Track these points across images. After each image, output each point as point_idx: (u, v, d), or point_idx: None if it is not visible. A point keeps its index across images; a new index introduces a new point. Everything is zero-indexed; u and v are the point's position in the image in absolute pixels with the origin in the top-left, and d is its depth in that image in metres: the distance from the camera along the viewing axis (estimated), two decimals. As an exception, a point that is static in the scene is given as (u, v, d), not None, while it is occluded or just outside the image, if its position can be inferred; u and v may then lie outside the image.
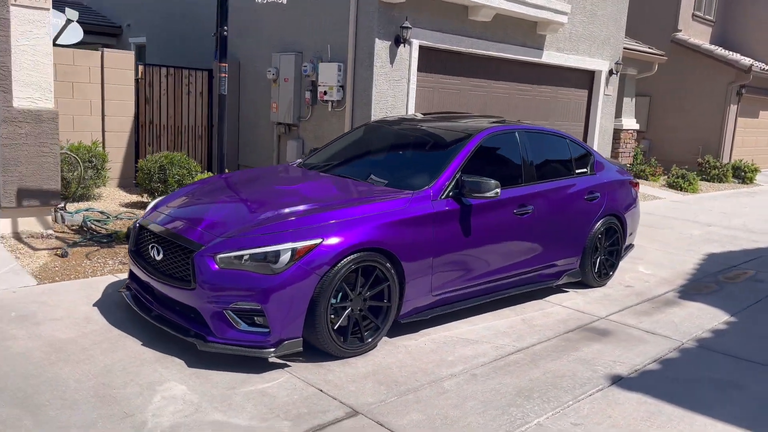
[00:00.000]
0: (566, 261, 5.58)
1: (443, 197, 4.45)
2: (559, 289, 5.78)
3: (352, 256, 3.81)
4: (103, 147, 9.34)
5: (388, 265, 4.02)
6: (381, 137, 5.41)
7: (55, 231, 6.16)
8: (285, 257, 3.61)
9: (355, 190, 4.49)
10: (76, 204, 7.62)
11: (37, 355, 3.63)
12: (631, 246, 6.62)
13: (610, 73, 12.61)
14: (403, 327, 4.47)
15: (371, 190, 4.48)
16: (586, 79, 12.48)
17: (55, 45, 9.35)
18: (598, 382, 3.88)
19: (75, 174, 7.32)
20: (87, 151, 7.98)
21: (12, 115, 5.64)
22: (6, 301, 4.41)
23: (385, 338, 4.30)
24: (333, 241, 3.74)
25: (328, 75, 8.92)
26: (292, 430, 3.07)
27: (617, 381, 3.91)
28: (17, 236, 5.83)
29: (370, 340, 4.04)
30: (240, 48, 10.99)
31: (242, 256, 3.60)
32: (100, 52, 9.41)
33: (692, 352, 4.50)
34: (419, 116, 6.00)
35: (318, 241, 3.71)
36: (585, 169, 5.88)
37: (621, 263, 6.70)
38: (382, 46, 8.48)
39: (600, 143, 12.81)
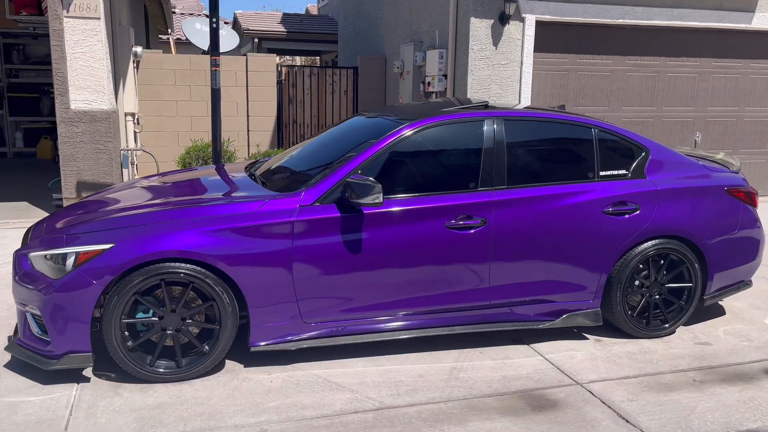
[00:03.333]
0: (569, 296, 4.02)
1: (321, 202, 3.55)
2: (579, 334, 4.21)
3: (149, 267, 3.27)
4: (248, 146, 10.02)
5: (209, 281, 3.35)
6: (337, 133, 4.57)
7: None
8: (70, 261, 3.26)
9: (227, 192, 3.89)
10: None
11: None
12: (745, 283, 4.51)
13: None
14: (278, 356, 3.72)
15: (247, 192, 3.82)
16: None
17: (206, 53, 10.37)
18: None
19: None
20: (200, 150, 8.60)
21: (69, 116, 6.33)
22: None
23: (236, 366, 3.63)
24: (125, 247, 3.26)
25: (431, 64, 8.09)
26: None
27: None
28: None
29: (190, 365, 3.42)
30: (384, 42, 10.72)
31: (44, 255, 3.36)
32: (245, 57, 10.10)
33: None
34: (432, 104, 4.88)
35: (107, 246, 3.27)
36: (622, 171, 4.15)
37: (735, 304, 4.65)
38: (480, 25, 7.34)
39: None
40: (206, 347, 3.44)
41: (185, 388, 3.36)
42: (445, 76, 7.92)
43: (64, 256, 3.27)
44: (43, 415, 3.05)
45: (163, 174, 4.88)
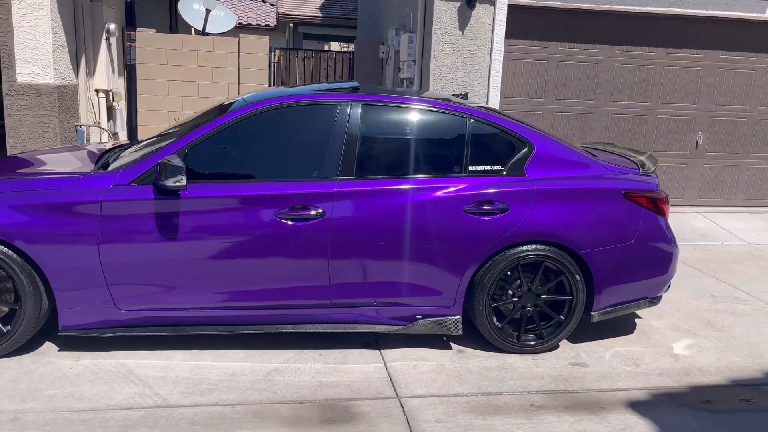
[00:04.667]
0: (424, 301, 3.65)
1: (139, 183, 3.35)
2: (446, 342, 3.84)
3: (-59, 240, 3.18)
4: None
5: (7, 259, 3.22)
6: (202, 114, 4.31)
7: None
8: None
9: (58, 169, 3.73)
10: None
11: None
12: (649, 300, 3.99)
13: None
14: (100, 342, 3.56)
15: (75, 169, 3.66)
16: None
17: (203, 33, 10.36)
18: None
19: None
20: (173, 128, 8.56)
21: (15, 89, 6.40)
22: None
23: (51, 349, 3.50)
24: None
25: (403, 48, 7.72)
26: None
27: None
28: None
29: (-8, 345, 3.32)
30: (382, 26, 10.37)
31: None
32: (237, 39, 10.01)
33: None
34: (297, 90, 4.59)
35: None
36: (497, 166, 3.72)
37: (653, 323, 4.17)
38: (445, 8, 6.91)
39: None
40: (8, 328, 3.33)
41: (-21, 368, 3.26)
42: (414, 61, 7.53)
43: None
44: None
45: (45, 151, 4.82)
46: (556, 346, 3.89)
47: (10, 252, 3.23)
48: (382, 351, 3.73)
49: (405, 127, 3.72)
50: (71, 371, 3.29)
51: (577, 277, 3.72)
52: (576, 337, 4.04)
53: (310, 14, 19.89)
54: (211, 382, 3.27)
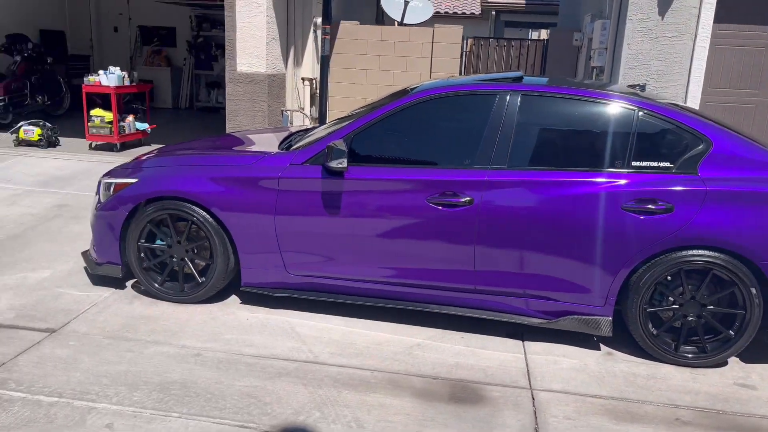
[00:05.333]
0: (573, 297, 3.58)
1: (312, 163, 3.76)
2: (595, 343, 3.74)
3: (159, 202, 3.88)
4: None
5: (204, 222, 3.83)
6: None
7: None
8: (111, 189, 4.04)
9: (256, 147, 4.29)
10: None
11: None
12: None
13: None
14: (267, 299, 4.08)
15: (264, 148, 4.19)
16: None
17: (401, 24, 10.84)
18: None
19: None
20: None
21: (235, 77, 7.39)
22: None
23: (235, 301, 4.09)
24: (143, 184, 3.91)
25: (595, 36, 7.37)
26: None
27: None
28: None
29: (190, 291, 3.98)
30: (581, 12, 9.93)
31: (103, 182, 4.16)
32: (432, 29, 10.31)
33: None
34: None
35: (133, 180, 3.96)
36: (664, 163, 3.47)
37: None
38: (643, -8, 6.46)
39: None
40: (203, 279, 3.97)
41: (179, 309, 3.94)
42: (606, 49, 7.14)
43: (109, 185, 4.06)
44: (70, 305, 3.91)
45: (255, 131, 5.53)
46: (724, 363, 3.55)
47: (208, 216, 3.85)
48: (525, 342, 3.74)
49: (563, 119, 3.65)
50: (247, 322, 3.83)
51: (753, 290, 3.35)
52: (751, 357, 3.64)
53: (513, 1, 19.64)
54: (357, 347, 3.58)
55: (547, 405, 3.08)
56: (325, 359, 3.43)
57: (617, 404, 3.12)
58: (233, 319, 3.86)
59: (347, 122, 3.89)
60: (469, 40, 10.41)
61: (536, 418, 2.97)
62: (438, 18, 18.93)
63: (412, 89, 3.97)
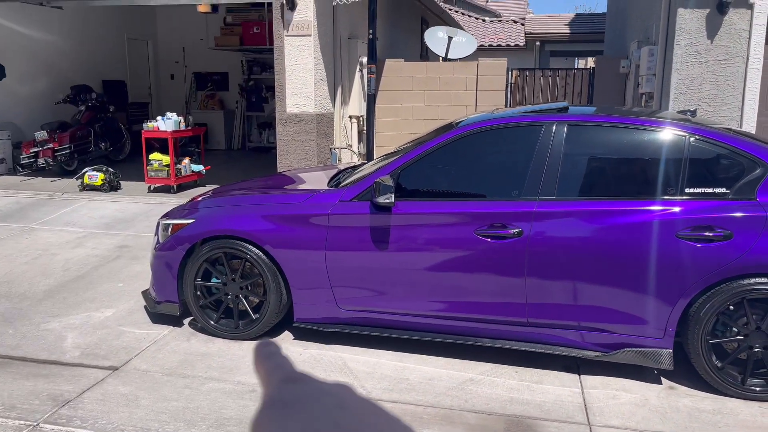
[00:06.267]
0: (630, 329, 3.49)
1: (360, 199, 3.83)
2: (656, 376, 3.62)
3: (214, 241, 4.01)
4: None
5: (258, 260, 3.93)
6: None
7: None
8: (169, 229, 4.21)
9: (306, 185, 4.39)
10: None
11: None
12: None
13: None
14: (327, 336, 4.12)
15: (313, 186, 4.29)
16: None
17: (446, 59, 10.98)
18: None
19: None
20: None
21: (285, 118, 7.62)
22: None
23: (288, 337, 4.15)
24: (200, 223, 4.06)
25: (643, 62, 7.30)
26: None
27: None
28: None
29: (244, 328, 4.07)
30: (626, 40, 9.85)
31: (161, 223, 4.35)
32: (476, 63, 10.41)
33: None
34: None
35: (190, 221, 4.11)
36: (720, 189, 3.38)
37: None
38: (690, 16, 6.39)
39: None
40: (257, 315, 4.06)
41: (234, 346, 4.03)
42: (654, 75, 7.05)
43: (167, 226, 4.23)
44: (131, 343, 4.05)
45: (304, 169, 5.66)
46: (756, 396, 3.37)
47: (261, 254, 3.95)
48: (581, 376, 3.65)
49: (612, 147, 3.62)
50: (300, 357, 3.88)
51: (822, 319, 3.20)
52: (825, 391, 3.43)
53: (558, 31, 19.63)
54: (410, 382, 3.57)
55: (607, 442, 2.99)
56: (378, 395, 3.43)
57: (681, 441, 3.00)
58: (286, 354, 3.90)
59: (394, 158, 3.96)
60: (514, 72, 10.44)
61: (595, 455, 2.88)
62: (483, 51, 19.10)
63: (457, 123, 4.02)
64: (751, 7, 6.21)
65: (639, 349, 3.49)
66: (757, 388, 3.34)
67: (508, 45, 21.11)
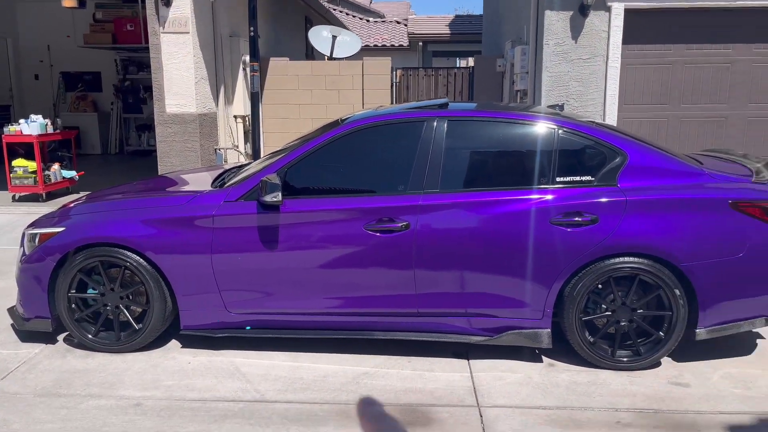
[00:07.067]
0: (512, 313, 3.68)
1: (246, 199, 3.74)
2: (538, 355, 3.83)
3: (89, 250, 3.76)
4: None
5: (133, 263, 3.73)
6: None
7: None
8: (36, 239, 3.89)
9: (189, 187, 4.24)
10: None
11: None
12: (766, 318, 3.68)
13: None
14: (217, 342, 3.99)
15: (196, 187, 4.15)
16: None
17: (331, 58, 11.01)
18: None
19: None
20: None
21: (164, 119, 7.30)
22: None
23: (175, 346, 3.98)
24: (71, 232, 3.79)
25: (517, 61, 7.71)
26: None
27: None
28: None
29: (127, 339, 3.86)
30: (502, 40, 10.36)
31: (27, 233, 4.01)
32: (361, 62, 10.52)
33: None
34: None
35: (60, 229, 3.83)
36: (587, 177, 3.66)
37: (766, 342, 3.86)
38: (556, 18, 6.83)
39: None
40: (140, 325, 3.85)
41: (117, 359, 3.80)
42: (528, 73, 7.48)
43: (33, 236, 3.91)
44: (0, 365, 3.72)
45: (188, 171, 5.46)
46: (657, 364, 3.71)
47: (142, 261, 3.75)
48: (470, 361, 3.79)
49: (490, 141, 3.79)
50: (189, 366, 3.73)
51: (677, 291, 3.54)
52: (682, 356, 3.81)
53: (439, 32, 20.28)
54: (305, 381, 3.55)
55: (495, 420, 3.13)
56: (272, 397, 3.37)
57: (561, 413, 3.20)
58: (174, 364, 3.75)
59: (280, 156, 3.91)
60: (398, 71, 10.66)
61: (484, 435, 3.01)
62: (368, 51, 19.31)
63: (342, 120, 4.04)
64: (608, 9, 6.74)
65: (521, 330, 3.69)
66: (625, 359, 3.64)
67: (392, 45, 21.50)
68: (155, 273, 3.77)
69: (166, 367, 3.70)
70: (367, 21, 23.04)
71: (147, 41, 7.46)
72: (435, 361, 3.80)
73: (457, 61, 22.40)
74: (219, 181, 4.26)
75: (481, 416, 3.17)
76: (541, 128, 3.75)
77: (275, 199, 3.55)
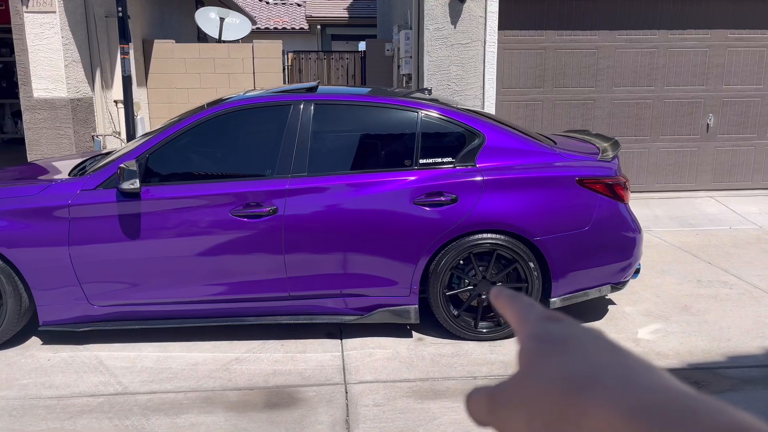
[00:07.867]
0: (381, 291, 3.79)
1: (105, 187, 3.60)
2: (408, 331, 3.96)
3: (-69, 244, 3.51)
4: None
5: (-13, 260, 3.53)
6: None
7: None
8: None
9: (50, 175, 4.03)
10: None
11: None
12: (612, 285, 3.99)
13: None
14: (81, 336, 3.84)
15: (55, 176, 3.95)
16: None
17: (219, 41, 10.72)
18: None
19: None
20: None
21: (32, 104, 6.85)
22: None
23: (35, 343, 3.80)
24: None
25: (402, 45, 7.82)
26: None
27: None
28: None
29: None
30: (393, 24, 10.48)
31: None
32: (251, 44, 10.32)
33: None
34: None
35: None
36: (447, 158, 3.81)
37: (626, 309, 4.17)
38: (436, 3, 6.98)
39: None
40: (-7, 323, 3.64)
41: (-33, 360, 3.59)
42: (411, 57, 7.62)
43: None
44: None
45: (60, 158, 5.17)
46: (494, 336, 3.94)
47: (-9, 255, 3.54)
48: (343, 340, 3.88)
49: (356, 125, 3.86)
50: (48, 363, 3.58)
51: (531, 264, 3.77)
52: (541, 324, 4.07)
53: (337, 15, 20.17)
54: (172, 371, 3.50)
55: (359, 396, 3.23)
56: (135, 389, 3.30)
57: (423, 384, 3.35)
58: (32, 361, 3.59)
59: (143, 140, 3.79)
60: (290, 55, 10.54)
61: (348, 410, 3.10)
62: (265, 34, 18.93)
63: (209, 105, 3.97)
64: (484, -4, 6.97)
65: (390, 308, 3.81)
66: (485, 330, 3.85)
67: (293, 28, 21.18)
68: (7, 268, 3.57)
69: (22, 366, 3.53)
70: (267, 3, 22.54)
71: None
72: (308, 342, 3.85)
73: (359, 45, 22.41)
74: (79, 168, 4.08)
75: (347, 392, 3.26)
76: (403, 112, 3.86)
77: (133, 186, 3.45)
